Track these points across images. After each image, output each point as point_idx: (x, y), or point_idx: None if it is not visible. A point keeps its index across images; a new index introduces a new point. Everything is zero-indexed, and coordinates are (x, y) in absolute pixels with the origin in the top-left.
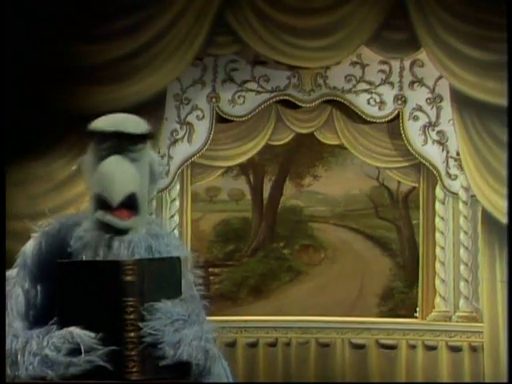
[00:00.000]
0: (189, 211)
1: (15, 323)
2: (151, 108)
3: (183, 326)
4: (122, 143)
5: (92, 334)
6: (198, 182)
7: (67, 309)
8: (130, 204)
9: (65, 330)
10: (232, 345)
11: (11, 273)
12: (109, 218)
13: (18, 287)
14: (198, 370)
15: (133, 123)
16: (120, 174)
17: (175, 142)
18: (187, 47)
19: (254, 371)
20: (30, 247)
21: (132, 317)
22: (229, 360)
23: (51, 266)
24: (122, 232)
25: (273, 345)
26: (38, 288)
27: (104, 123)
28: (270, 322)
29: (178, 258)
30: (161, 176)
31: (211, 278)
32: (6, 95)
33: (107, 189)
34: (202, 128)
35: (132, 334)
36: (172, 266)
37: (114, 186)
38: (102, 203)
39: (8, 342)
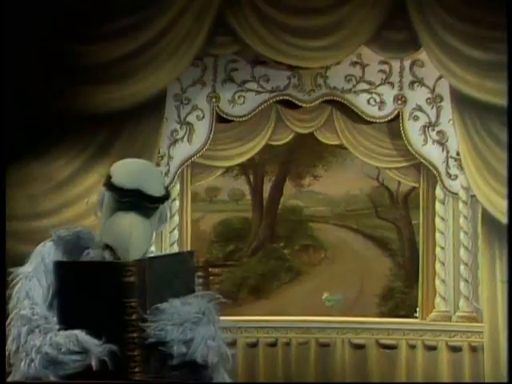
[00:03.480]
0: (189, 211)
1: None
2: (151, 108)
3: (196, 324)
4: (142, 202)
5: (96, 341)
6: (198, 182)
7: (69, 308)
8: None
9: (70, 332)
10: (232, 345)
11: (26, 269)
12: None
13: (36, 280)
14: (211, 369)
15: (154, 184)
16: (136, 239)
17: (175, 141)
18: (187, 47)
19: (254, 371)
20: (46, 248)
21: (133, 317)
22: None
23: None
24: None
25: (273, 345)
26: (52, 289)
27: (126, 180)
28: (270, 322)
29: (190, 253)
30: (167, 216)
31: (211, 278)
32: (6, 95)
33: (122, 249)
34: (202, 128)
35: (133, 335)
36: (181, 261)
37: (129, 250)
38: (112, 251)
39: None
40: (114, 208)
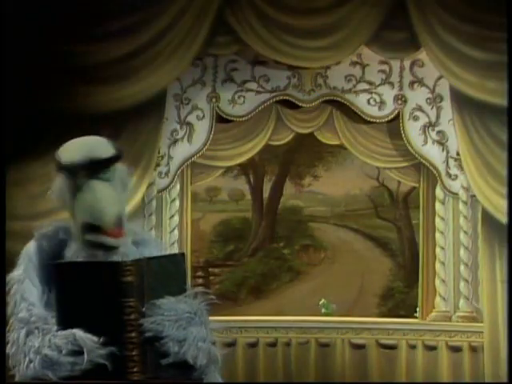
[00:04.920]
0: (189, 211)
1: (35, 310)
2: (151, 108)
3: (189, 324)
4: (97, 169)
5: (95, 338)
6: (198, 182)
7: (67, 309)
8: (118, 222)
9: (68, 331)
10: (232, 345)
11: (17, 272)
12: (103, 239)
13: (29, 281)
14: (201, 371)
15: (102, 148)
16: (106, 200)
17: (175, 141)
18: (187, 47)
19: (254, 371)
20: (31, 248)
21: (132, 317)
22: (229, 360)
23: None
24: (113, 249)
25: (273, 345)
26: (45, 287)
27: (74, 154)
28: (270, 322)
29: (182, 254)
30: (129, 183)
31: (211, 278)
32: (6, 95)
33: (97, 216)
34: (202, 128)
35: (132, 335)
36: (175, 262)
37: (103, 212)
38: (92, 228)
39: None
40: (75, 187)
